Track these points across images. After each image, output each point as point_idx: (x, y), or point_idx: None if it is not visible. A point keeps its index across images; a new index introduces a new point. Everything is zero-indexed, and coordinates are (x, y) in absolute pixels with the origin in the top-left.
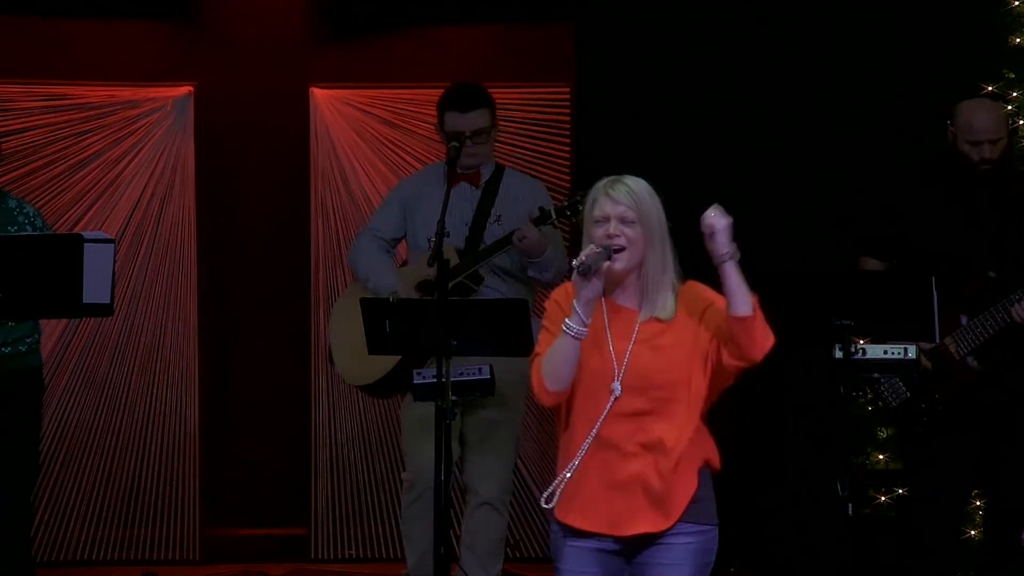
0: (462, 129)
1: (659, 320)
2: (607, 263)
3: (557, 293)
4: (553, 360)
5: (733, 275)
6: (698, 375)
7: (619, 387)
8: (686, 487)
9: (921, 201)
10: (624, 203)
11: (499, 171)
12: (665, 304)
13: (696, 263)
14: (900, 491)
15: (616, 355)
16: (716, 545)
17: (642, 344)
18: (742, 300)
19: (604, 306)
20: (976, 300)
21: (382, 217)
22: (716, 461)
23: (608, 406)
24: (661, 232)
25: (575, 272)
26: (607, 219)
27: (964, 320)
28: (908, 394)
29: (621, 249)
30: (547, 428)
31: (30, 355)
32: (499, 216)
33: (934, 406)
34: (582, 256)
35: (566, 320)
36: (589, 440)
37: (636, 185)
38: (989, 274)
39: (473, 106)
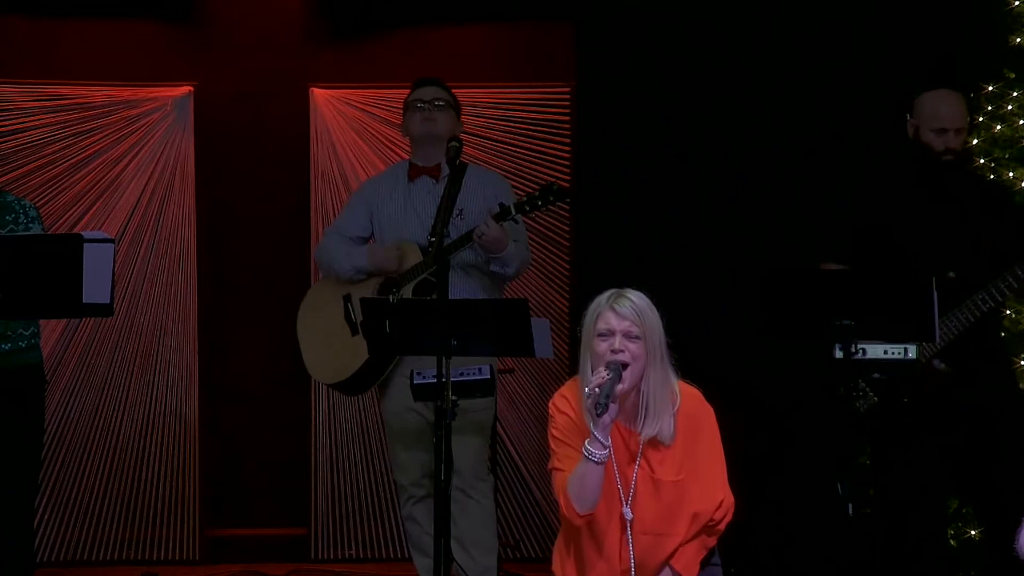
0: (422, 96)
1: (660, 443)
2: (620, 386)
3: (559, 401)
4: (581, 486)
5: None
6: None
7: (630, 512)
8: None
9: (881, 203)
10: (629, 318)
11: (462, 166)
12: (665, 427)
13: (696, 269)
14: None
15: (621, 480)
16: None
17: (644, 472)
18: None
19: None
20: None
21: (347, 216)
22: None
23: (628, 531)
24: (662, 348)
25: (592, 408)
26: (612, 333)
27: None
28: (876, 399)
29: (625, 365)
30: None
31: (29, 351)
32: (461, 210)
33: (903, 410)
34: (594, 387)
35: (586, 446)
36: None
37: (639, 300)
38: (949, 274)
39: (436, 83)
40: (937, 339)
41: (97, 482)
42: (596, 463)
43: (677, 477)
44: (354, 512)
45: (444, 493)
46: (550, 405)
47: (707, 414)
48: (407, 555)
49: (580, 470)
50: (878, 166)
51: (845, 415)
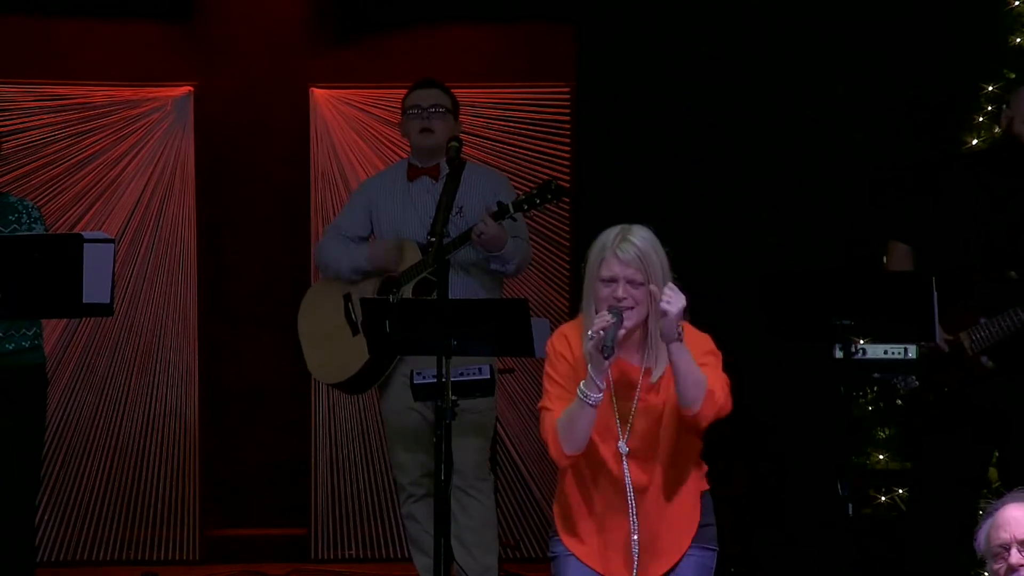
0: (420, 102)
1: (656, 377)
2: (622, 331)
3: (558, 341)
4: (572, 427)
5: (681, 358)
6: (684, 425)
7: (625, 447)
8: (690, 522)
9: (957, 189)
10: (632, 265)
11: (460, 163)
12: (662, 362)
13: (696, 268)
14: (900, 491)
15: (620, 414)
16: (714, 565)
17: (641, 405)
18: (690, 391)
19: None
20: (993, 299)
21: (347, 216)
22: (705, 483)
23: (624, 464)
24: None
25: (594, 351)
26: (615, 280)
27: (982, 320)
28: (917, 383)
29: (629, 308)
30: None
31: (32, 351)
32: (460, 208)
33: (941, 398)
34: (598, 331)
35: (581, 387)
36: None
37: (643, 243)
38: (1010, 274)
39: (435, 86)
40: (937, 339)
41: (97, 482)
42: (591, 405)
43: (672, 400)
44: (354, 512)
45: (444, 493)
46: (548, 345)
47: (705, 341)
48: (407, 555)
49: (572, 410)
50: (960, 152)
51: (845, 415)
